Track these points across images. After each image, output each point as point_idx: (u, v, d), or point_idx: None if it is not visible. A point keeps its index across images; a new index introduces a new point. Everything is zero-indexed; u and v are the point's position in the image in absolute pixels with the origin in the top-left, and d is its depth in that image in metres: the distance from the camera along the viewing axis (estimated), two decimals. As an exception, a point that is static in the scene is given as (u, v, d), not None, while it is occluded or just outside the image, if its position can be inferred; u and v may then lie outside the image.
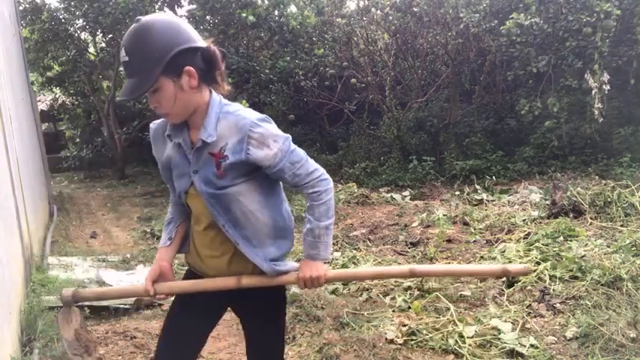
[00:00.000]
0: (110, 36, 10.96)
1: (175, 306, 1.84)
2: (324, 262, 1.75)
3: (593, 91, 7.48)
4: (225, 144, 1.59)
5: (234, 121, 1.59)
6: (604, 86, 7.48)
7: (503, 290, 3.83)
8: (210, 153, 1.60)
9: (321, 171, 1.70)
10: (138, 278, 4.70)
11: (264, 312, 1.80)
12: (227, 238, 1.68)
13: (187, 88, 1.55)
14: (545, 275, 3.92)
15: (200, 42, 1.57)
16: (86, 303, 3.76)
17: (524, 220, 5.72)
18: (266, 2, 9.14)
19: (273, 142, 1.59)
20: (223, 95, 1.68)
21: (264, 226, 1.68)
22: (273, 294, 1.78)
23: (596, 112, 7.56)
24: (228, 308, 1.96)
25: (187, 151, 1.65)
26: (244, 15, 8.32)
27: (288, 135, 1.65)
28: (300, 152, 1.67)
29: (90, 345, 1.84)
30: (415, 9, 9.27)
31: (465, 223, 5.90)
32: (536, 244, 4.64)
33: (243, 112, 1.62)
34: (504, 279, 3.99)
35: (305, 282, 1.71)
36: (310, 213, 1.70)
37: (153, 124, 1.77)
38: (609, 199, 5.52)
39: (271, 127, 1.61)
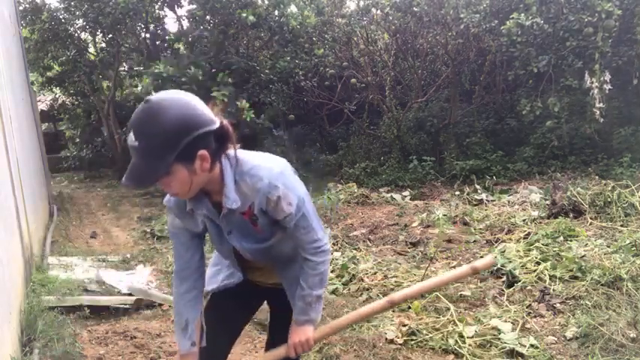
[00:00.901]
0: (110, 36, 10.97)
1: (206, 312, 1.86)
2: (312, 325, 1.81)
3: (594, 91, 7.47)
4: (252, 202, 1.59)
5: (251, 183, 1.57)
6: (605, 86, 7.48)
7: (503, 290, 3.83)
8: (241, 213, 1.61)
9: (324, 241, 1.71)
10: (138, 278, 4.70)
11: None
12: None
13: (200, 172, 1.49)
14: (545, 275, 3.92)
15: (214, 122, 1.48)
16: (86, 303, 3.76)
17: (524, 220, 5.72)
18: (266, 2, 9.14)
19: (287, 205, 1.59)
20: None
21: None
22: None
23: (597, 112, 7.56)
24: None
25: (215, 218, 1.64)
26: (244, 15, 8.32)
27: (302, 195, 1.63)
28: (309, 217, 1.66)
29: None
30: (415, 9, 9.27)
31: (465, 223, 5.90)
32: (536, 244, 4.64)
33: (257, 170, 1.58)
34: (504, 279, 3.99)
35: (295, 347, 1.76)
36: (304, 280, 1.73)
37: (168, 202, 1.71)
38: (609, 199, 5.52)
39: (287, 188, 1.58)
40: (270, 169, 1.59)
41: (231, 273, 1.88)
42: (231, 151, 1.57)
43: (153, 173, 1.44)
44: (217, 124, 1.49)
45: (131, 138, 1.43)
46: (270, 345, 1.96)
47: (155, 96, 1.46)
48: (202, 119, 1.45)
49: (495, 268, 4.25)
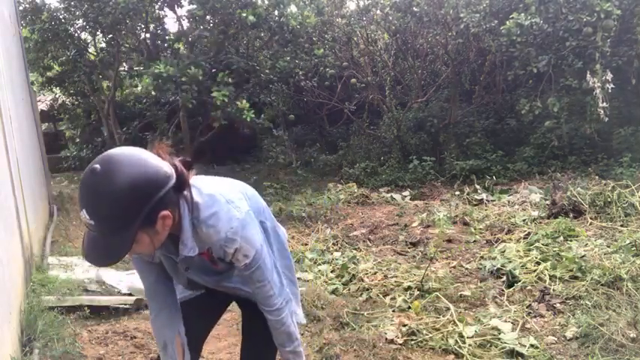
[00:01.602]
0: (110, 36, 10.95)
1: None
2: None
3: (597, 91, 7.46)
4: (210, 247, 1.55)
5: (207, 236, 1.50)
6: (607, 85, 7.48)
7: (503, 290, 3.83)
8: (199, 254, 1.56)
9: (279, 300, 1.64)
10: (138, 278, 4.69)
11: None
12: None
13: (162, 231, 1.39)
14: (545, 275, 3.92)
15: (171, 177, 1.36)
16: (86, 303, 3.76)
17: (524, 220, 5.72)
18: (266, 2, 9.13)
19: (243, 257, 1.55)
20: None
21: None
22: None
23: (602, 111, 7.54)
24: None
25: (173, 256, 1.59)
26: (244, 15, 8.31)
27: (259, 247, 1.57)
28: (265, 271, 1.59)
29: None
30: (415, 9, 9.26)
31: (465, 223, 5.90)
32: (536, 244, 4.64)
33: (216, 220, 1.49)
34: (504, 279, 3.99)
35: None
36: (274, 338, 1.70)
37: None
38: (609, 199, 5.52)
39: (245, 241, 1.52)
40: (228, 220, 1.50)
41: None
42: (187, 194, 1.46)
43: (119, 250, 1.33)
44: (174, 178, 1.37)
45: (84, 216, 1.29)
46: (245, 349, 1.95)
47: (101, 162, 1.30)
48: (160, 180, 1.33)
49: (495, 268, 4.25)
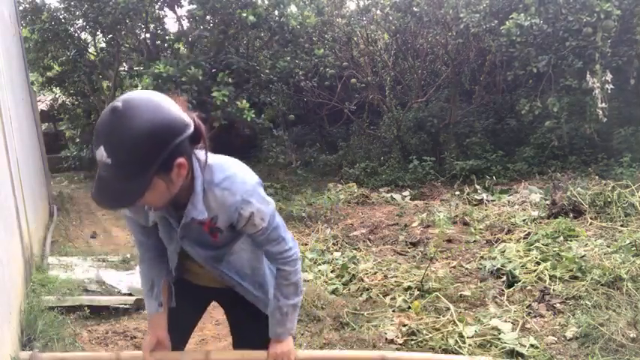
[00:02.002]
0: (110, 36, 10.95)
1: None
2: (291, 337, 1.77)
3: (596, 91, 7.46)
4: (216, 216, 1.52)
5: (221, 198, 1.48)
6: (607, 86, 7.47)
7: (503, 290, 3.83)
8: (199, 223, 1.53)
9: (294, 250, 1.67)
10: (138, 278, 4.69)
11: (252, 310, 1.81)
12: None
13: (177, 180, 1.39)
14: (545, 275, 3.92)
15: (189, 126, 1.37)
16: (86, 303, 3.76)
17: (524, 220, 5.72)
18: (266, 2, 9.13)
19: (259, 220, 1.54)
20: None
21: (259, 264, 1.77)
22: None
23: (600, 112, 7.54)
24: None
25: (173, 222, 1.57)
26: (244, 15, 8.31)
27: (273, 208, 1.59)
28: (280, 230, 1.62)
29: None
30: (415, 9, 9.26)
31: (465, 223, 5.90)
32: (536, 244, 4.65)
33: (229, 184, 1.49)
34: (504, 279, 3.99)
35: (276, 358, 1.73)
36: (278, 291, 1.70)
37: None
38: (609, 199, 5.52)
39: (259, 202, 1.52)
40: (243, 183, 1.50)
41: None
42: (201, 154, 1.47)
43: (133, 194, 1.33)
44: (192, 128, 1.38)
45: (102, 154, 1.27)
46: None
47: (123, 102, 1.29)
48: (179, 125, 1.33)
49: (495, 268, 4.26)
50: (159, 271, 1.73)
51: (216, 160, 1.52)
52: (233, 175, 1.50)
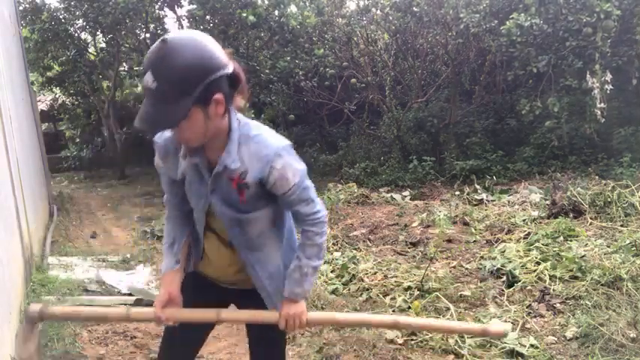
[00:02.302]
0: (110, 36, 10.97)
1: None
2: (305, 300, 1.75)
3: (595, 91, 7.47)
4: (246, 171, 1.56)
5: (255, 149, 1.56)
6: (606, 86, 7.48)
7: (503, 290, 3.83)
8: (229, 178, 1.57)
9: (322, 213, 1.70)
10: (138, 278, 4.70)
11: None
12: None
13: (214, 116, 1.47)
14: (545, 275, 3.92)
15: (228, 65, 1.47)
16: (86, 303, 3.76)
17: (524, 220, 5.72)
18: (266, 2, 9.14)
19: (292, 175, 1.58)
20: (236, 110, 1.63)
21: (275, 251, 1.73)
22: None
23: (599, 112, 7.55)
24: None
25: (205, 173, 1.60)
26: (244, 15, 8.32)
27: (304, 167, 1.64)
28: (310, 190, 1.67)
29: None
30: (415, 9, 9.27)
31: (465, 223, 5.90)
32: (536, 244, 4.64)
33: (264, 138, 1.58)
34: (504, 279, 3.99)
35: (287, 319, 1.69)
36: (301, 251, 1.70)
37: (159, 139, 1.67)
38: (609, 199, 5.52)
39: (291, 159, 1.59)
40: (276, 139, 1.59)
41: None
42: (240, 102, 1.57)
43: (172, 117, 1.42)
44: (231, 68, 1.47)
45: (149, 79, 1.40)
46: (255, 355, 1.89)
47: (171, 36, 1.42)
48: (219, 62, 1.43)
49: (495, 268, 4.26)
50: (182, 230, 1.76)
51: (251, 120, 1.63)
52: (267, 132, 1.60)
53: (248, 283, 1.75)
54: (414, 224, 6.09)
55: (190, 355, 1.88)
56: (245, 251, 1.69)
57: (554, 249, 4.43)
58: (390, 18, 9.65)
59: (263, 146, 1.56)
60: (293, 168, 1.58)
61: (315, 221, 1.67)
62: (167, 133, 1.64)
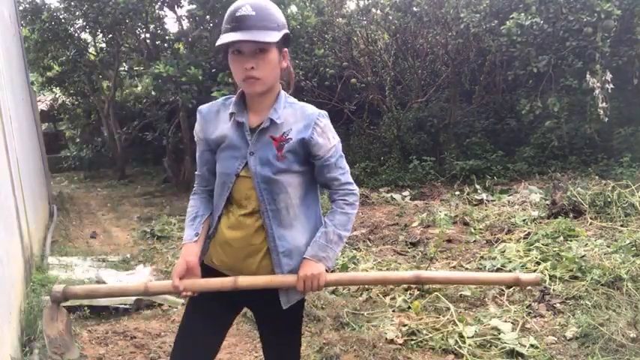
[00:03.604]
0: (110, 36, 10.96)
1: (188, 315, 1.80)
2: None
3: (596, 91, 7.46)
4: (290, 129, 1.66)
5: (300, 110, 1.69)
6: (607, 85, 7.47)
7: (503, 290, 3.83)
8: (271, 137, 1.65)
9: (356, 187, 1.79)
10: (138, 278, 4.70)
11: (283, 314, 1.75)
12: (260, 232, 1.69)
13: (279, 65, 1.64)
14: (545, 275, 3.92)
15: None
16: (85, 303, 3.76)
17: (524, 220, 5.72)
18: (266, 2, 9.14)
19: (332, 136, 1.70)
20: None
21: (301, 234, 1.71)
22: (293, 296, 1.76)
23: (601, 111, 7.54)
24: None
25: (247, 131, 1.67)
26: (244, 15, 8.31)
27: (339, 139, 1.76)
28: (346, 163, 1.79)
29: (71, 347, 1.84)
30: (415, 9, 9.27)
31: (465, 223, 5.90)
32: (536, 244, 4.64)
33: (305, 104, 1.73)
34: (504, 279, 3.99)
35: (305, 280, 1.67)
36: (330, 219, 1.74)
37: (203, 107, 1.78)
38: (609, 199, 5.52)
39: (331, 125, 1.72)
40: (315, 107, 1.72)
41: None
42: (289, 67, 1.73)
43: (267, 36, 1.56)
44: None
45: (246, 9, 1.56)
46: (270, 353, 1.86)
47: None
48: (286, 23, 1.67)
49: (495, 268, 4.25)
50: (206, 206, 1.80)
51: None
52: (306, 103, 1.75)
53: (260, 272, 1.70)
54: (414, 224, 6.09)
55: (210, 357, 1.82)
56: (271, 221, 1.66)
57: (554, 249, 4.43)
58: (390, 18, 9.64)
59: (307, 108, 1.71)
60: (333, 131, 1.72)
61: (348, 191, 1.75)
62: (209, 103, 1.79)
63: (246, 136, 1.67)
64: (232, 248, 1.71)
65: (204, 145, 1.77)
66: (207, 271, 1.76)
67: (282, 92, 1.71)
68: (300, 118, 1.67)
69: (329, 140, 1.68)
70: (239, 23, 1.57)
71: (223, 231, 1.73)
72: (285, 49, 1.67)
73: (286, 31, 1.63)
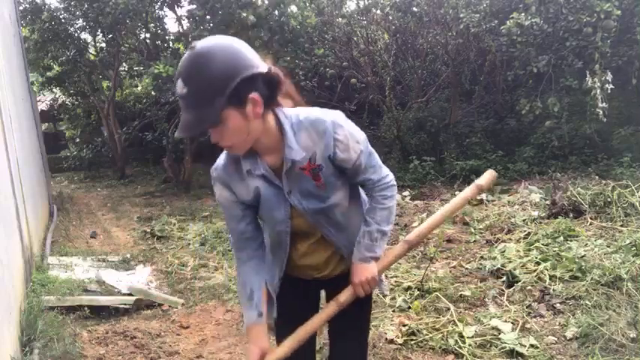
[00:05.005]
0: (110, 36, 10.96)
1: (281, 317, 1.78)
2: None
3: (597, 91, 7.46)
4: (314, 153, 1.53)
5: (313, 128, 1.52)
6: (606, 85, 7.47)
7: (503, 290, 3.83)
8: (300, 168, 1.54)
9: (391, 177, 1.69)
10: (138, 278, 4.70)
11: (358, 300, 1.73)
12: (329, 246, 1.69)
13: (252, 117, 1.43)
14: (545, 275, 3.92)
15: (261, 66, 1.44)
16: (86, 303, 3.77)
17: (524, 220, 5.72)
18: (266, 2, 9.14)
19: (355, 143, 1.56)
20: (294, 105, 1.62)
21: (355, 216, 1.71)
22: None
23: (600, 112, 7.54)
24: None
25: (274, 179, 1.56)
26: (244, 15, 8.32)
27: (364, 135, 1.61)
28: (375, 156, 1.65)
29: None
30: (415, 9, 9.27)
31: (465, 223, 5.90)
32: (536, 244, 4.64)
33: (315, 116, 1.54)
34: (504, 279, 3.99)
35: (362, 286, 1.66)
36: (371, 216, 1.68)
37: (215, 171, 1.62)
38: (609, 199, 5.51)
39: (350, 126, 1.57)
40: (326, 113, 1.56)
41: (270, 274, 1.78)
42: (287, 104, 1.56)
43: (204, 120, 1.39)
44: (266, 69, 1.44)
45: (180, 86, 1.40)
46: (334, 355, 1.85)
47: (200, 42, 1.42)
48: (248, 62, 1.40)
49: (495, 268, 4.25)
50: (258, 279, 1.67)
51: (292, 109, 1.60)
52: (316, 110, 1.58)
53: (338, 269, 1.74)
54: (414, 224, 6.08)
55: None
56: (335, 235, 1.67)
57: (554, 249, 4.43)
58: (390, 18, 9.65)
59: (319, 123, 1.53)
60: (355, 135, 1.56)
61: (386, 185, 1.67)
62: (220, 162, 1.61)
63: (275, 182, 1.57)
64: (309, 267, 1.75)
65: (240, 205, 1.64)
66: (289, 283, 1.76)
67: (284, 119, 1.52)
68: (317, 138, 1.52)
69: (353, 151, 1.55)
70: (181, 102, 1.42)
71: (296, 263, 1.73)
72: (252, 95, 1.40)
73: (240, 78, 1.37)
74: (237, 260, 1.71)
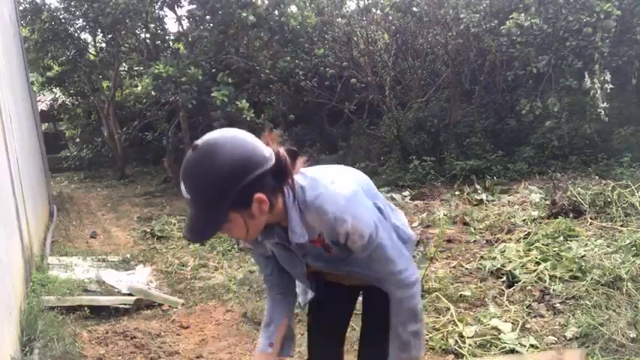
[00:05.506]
0: (110, 36, 10.97)
1: (312, 314, 1.89)
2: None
3: (597, 92, 7.45)
4: (321, 232, 1.49)
5: (317, 215, 1.44)
6: (606, 85, 7.47)
7: (503, 290, 3.83)
8: (311, 242, 1.51)
9: (408, 273, 1.54)
10: (138, 278, 4.70)
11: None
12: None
13: (259, 215, 1.37)
14: (545, 275, 3.92)
15: (269, 160, 1.34)
16: (86, 303, 3.77)
17: (524, 220, 5.72)
18: (266, 2, 9.14)
19: (358, 237, 1.46)
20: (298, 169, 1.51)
21: None
22: None
23: (602, 111, 7.53)
24: None
25: (288, 245, 1.55)
26: (244, 15, 8.32)
27: (374, 224, 1.48)
28: (386, 247, 1.51)
29: None
30: (415, 9, 9.27)
31: (465, 223, 5.90)
32: (536, 244, 4.64)
33: (321, 202, 1.43)
34: (504, 279, 3.99)
35: None
36: (395, 316, 1.57)
37: None
38: (609, 199, 5.51)
39: (354, 219, 1.44)
40: (335, 198, 1.43)
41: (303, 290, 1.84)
42: (290, 181, 1.44)
43: (211, 226, 1.36)
44: (273, 161, 1.35)
45: (183, 190, 1.34)
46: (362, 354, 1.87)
47: (203, 140, 1.34)
48: (256, 160, 1.32)
49: (495, 268, 4.25)
50: (279, 313, 1.72)
51: (310, 174, 1.49)
52: (325, 192, 1.44)
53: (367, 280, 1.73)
54: (414, 224, 6.09)
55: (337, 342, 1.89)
56: (357, 272, 1.64)
57: (554, 249, 4.43)
58: (390, 18, 9.65)
59: (322, 213, 1.43)
60: (358, 230, 1.45)
61: (400, 283, 1.53)
62: None
63: (289, 247, 1.56)
64: (337, 282, 1.80)
65: (261, 257, 1.72)
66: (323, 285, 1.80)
67: (290, 201, 1.43)
68: (323, 224, 1.46)
69: (355, 242, 1.48)
70: (186, 204, 1.39)
71: (326, 279, 1.78)
72: (258, 195, 1.33)
73: (246, 182, 1.30)
74: (266, 289, 1.79)
